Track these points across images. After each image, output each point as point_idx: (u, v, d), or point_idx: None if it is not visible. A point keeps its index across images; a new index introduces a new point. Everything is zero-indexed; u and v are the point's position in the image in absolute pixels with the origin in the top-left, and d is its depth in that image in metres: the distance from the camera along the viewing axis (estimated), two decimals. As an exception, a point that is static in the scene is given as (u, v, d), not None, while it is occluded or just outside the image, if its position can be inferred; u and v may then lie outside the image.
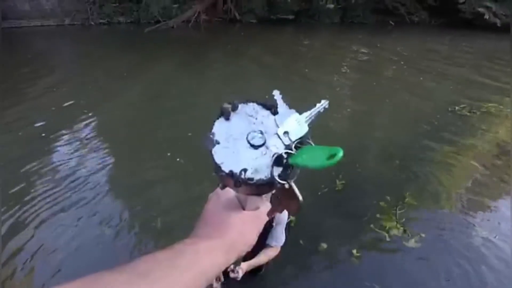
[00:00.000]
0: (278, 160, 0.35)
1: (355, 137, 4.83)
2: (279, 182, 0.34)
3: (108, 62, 8.45)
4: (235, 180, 0.34)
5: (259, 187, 0.35)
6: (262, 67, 8.28)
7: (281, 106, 0.38)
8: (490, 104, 6.04)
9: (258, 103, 0.39)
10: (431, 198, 3.50)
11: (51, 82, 6.63)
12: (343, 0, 14.81)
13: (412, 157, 4.27)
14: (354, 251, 2.73)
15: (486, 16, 13.73)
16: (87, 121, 4.98)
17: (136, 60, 8.45)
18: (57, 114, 5.22)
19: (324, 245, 2.81)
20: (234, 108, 0.38)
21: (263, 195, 0.41)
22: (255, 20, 14.14)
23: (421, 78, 7.65)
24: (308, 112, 0.39)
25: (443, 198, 3.53)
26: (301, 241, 2.85)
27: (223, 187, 0.39)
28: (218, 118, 0.37)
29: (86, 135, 4.59)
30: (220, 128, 0.37)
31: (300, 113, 0.39)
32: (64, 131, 4.65)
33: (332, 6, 14.77)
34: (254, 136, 0.36)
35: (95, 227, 3.01)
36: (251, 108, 0.39)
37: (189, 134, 4.52)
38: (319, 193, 3.47)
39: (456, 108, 5.84)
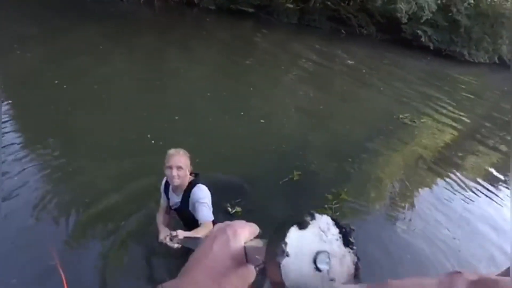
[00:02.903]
0: None
1: (308, 133, 5.16)
2: None
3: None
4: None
5: None
6: (198, 56, 8.22)
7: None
8: (427, 117, 7.01)
9: (332, 219, 0.35)
10: (364, 194, 3.92)
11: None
12: (302, 2, 15.29)
13: (355, 156, 4.70)
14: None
15: (423, 39, 15.39)
16: None
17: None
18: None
19: (265, 231, 2.98)
20: (312, 218, 0.34)
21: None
22: (214, 7, 13.85)
23: (367, 88, 8.39)
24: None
25: (374, 195, 3.99)
26: None
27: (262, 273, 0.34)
28: (292, 226, 0.33)
29: None
30: (294, 239, 0.32)
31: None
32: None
33: (291, 6, 15.14)
34: (322, 259, 0.32)
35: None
36: (326, 222, 0.35)
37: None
38: (280, 182, 3.75)
39: (401, 116, 6.61)
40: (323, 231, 0.34)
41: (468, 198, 4.43)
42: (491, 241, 3.65)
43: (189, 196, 2.31)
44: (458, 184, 4.71)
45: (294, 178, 3.85)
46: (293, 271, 0.31)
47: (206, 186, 2.37)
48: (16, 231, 2.68)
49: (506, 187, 5.13)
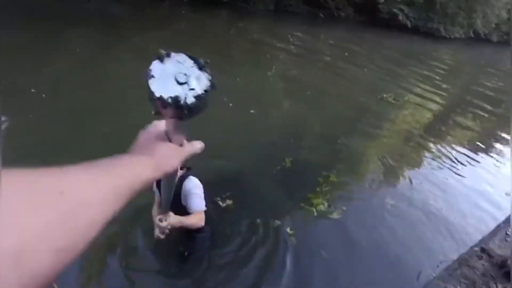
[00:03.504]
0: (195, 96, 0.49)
1: (297, 119, 5.13)
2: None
3: None
4: (162, 102, 0.46)
5: (177, 111, 0.48)
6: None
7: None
8: (410, 94, 7.12)
9: (187, 55, 0.51)
10: (355, 174, 3.96)
11: None
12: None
13: (344, 138, 4.70)
14: (288, 229, 2.94)
15: (400, 18, 15.51)
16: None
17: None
18: None
19: (259, 221, 2.99)
20: (168, 55, 0.49)
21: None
22: (186, -2, 13.48)
23: (350, 71, 8.40)
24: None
25: (364, 174, 4.02)
26: (242, 220, 2.99)
27: (156, 113, 0.50)
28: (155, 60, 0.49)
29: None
30: (156, 67, 0.48)
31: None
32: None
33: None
34: (180, 76, 0.48)
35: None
36: (182, 57, 0.50)
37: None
38: (274, 171, 3.70)
39: (384, 95, 6.67)
40: (180, 62, 0.49)
41: (454, 167, 4.56)
42: (478, 205, 3.83)
43: (180, 190, 2.27)
44: (445, 156, 4.83)
45: (287, 165, 3.82)
46: (161, 85, 0.47)
47: (198, 178, 2.32)
48: None
49: (489, 155, 5.31)
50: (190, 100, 0.48)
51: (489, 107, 7.76)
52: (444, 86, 8.72)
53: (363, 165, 4.22)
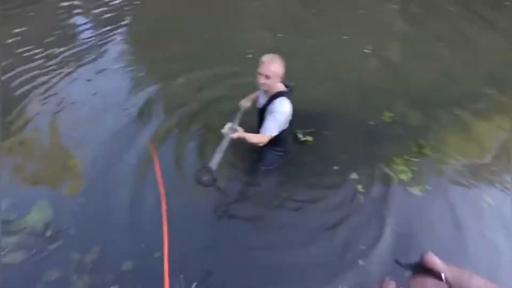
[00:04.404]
0: None
1: (414, 72, 4.32)
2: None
3: None
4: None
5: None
6: None
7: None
8: None
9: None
10: (455, 155, 3.29)
11: None
12: None
13: (460, 107, 3.80)
14: (359, 186, 2.82)
15: None
16: None
17: None
18: None
19: (336, 168, 2.93)
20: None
21: None
22: None
23: (490, 31, 6.25)
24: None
25: (466, 158, 3.29)
26: (315, 162, 2.98)
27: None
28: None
29: None
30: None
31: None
32: None
33: None
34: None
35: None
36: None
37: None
38: (367, 122, 3.46)
39: None
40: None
41: None
42: None
43: (270, 103, 2.33)
44: None
45: (384, 120, 3.49)
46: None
47: (291, 103, 2.34)
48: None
49: None
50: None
51: None
52: None
53: (472, 147, 3.40)
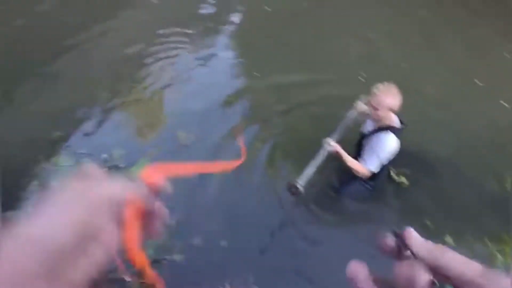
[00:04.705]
0: None
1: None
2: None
3: None
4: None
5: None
6: None
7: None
8: None
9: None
10: None
11: None
12: None
13: None
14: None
15: None
16: None
17: None
18: None
19: (428, 223, 2.58)
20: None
21: None
22: None
23: None
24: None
25: None
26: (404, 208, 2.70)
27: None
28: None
29: None
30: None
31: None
32: None
33: None
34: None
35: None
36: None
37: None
38: (485, 186, 2.96)
39: None
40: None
41: None
42: None
43: (376, 134, 2.18)
44: None
45: (506, 188, 2.88)
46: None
47: (399, 141, 2.16)
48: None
49: None
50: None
51: None
52: None
53: None
